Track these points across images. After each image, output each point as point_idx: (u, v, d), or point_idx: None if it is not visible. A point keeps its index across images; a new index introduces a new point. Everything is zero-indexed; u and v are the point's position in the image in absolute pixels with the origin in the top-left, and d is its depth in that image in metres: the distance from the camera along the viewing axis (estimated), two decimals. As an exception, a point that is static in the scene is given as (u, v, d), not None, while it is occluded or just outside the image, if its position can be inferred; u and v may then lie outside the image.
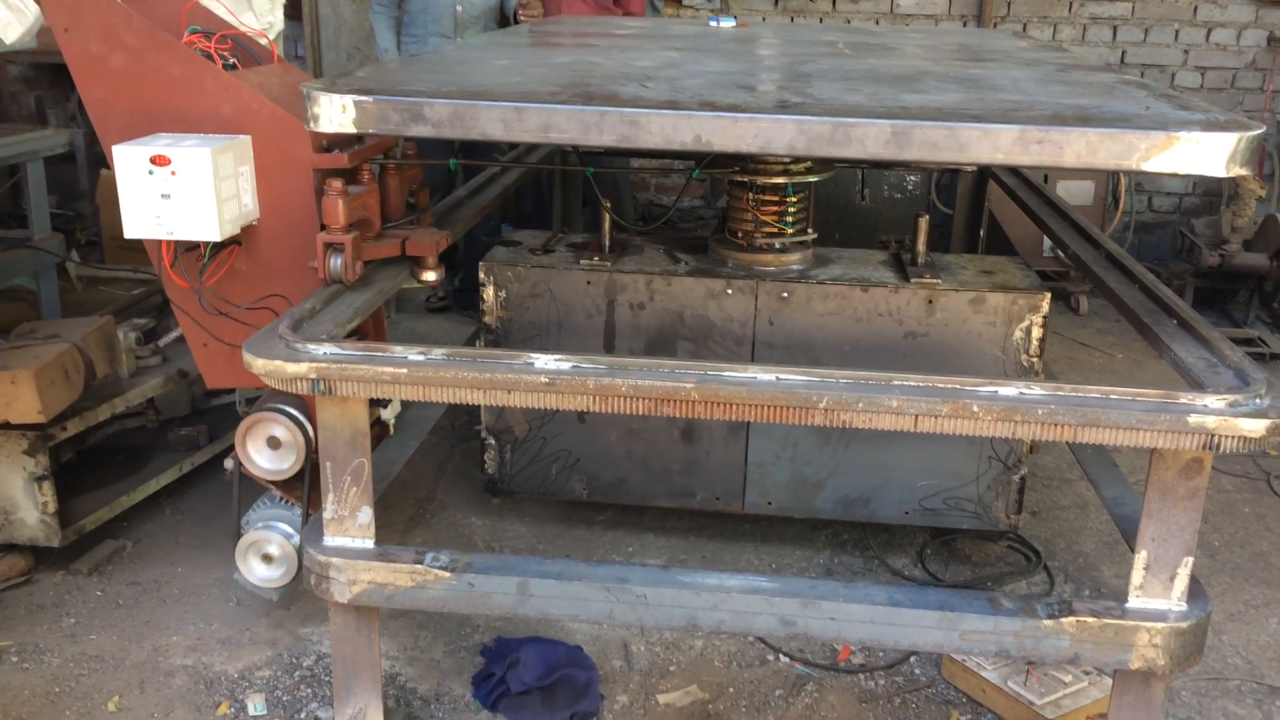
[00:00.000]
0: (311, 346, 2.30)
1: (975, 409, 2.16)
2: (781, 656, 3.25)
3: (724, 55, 3.24)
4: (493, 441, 3.66)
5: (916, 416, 2.18)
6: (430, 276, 2.99)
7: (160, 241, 2.82)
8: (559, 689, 2.94)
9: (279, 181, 2.88)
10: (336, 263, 2.69)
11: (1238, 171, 2.13)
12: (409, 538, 3.81)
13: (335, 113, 2.26)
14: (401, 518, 3.94)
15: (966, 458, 3.51)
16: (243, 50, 3.13)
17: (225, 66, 2.97)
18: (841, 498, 3.59)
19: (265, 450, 2.98)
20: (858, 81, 2.68)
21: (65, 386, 3.23)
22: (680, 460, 3.61)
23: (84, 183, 7.21)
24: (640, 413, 2.24)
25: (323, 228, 2.73)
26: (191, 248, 2.86)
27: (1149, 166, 2.13)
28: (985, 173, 4.70)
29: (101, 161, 7.30)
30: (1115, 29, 7.44)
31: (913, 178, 6.58)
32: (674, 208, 7.30)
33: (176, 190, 2.68)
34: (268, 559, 3.07)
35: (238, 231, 2.84)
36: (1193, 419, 2.11)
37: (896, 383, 2.21)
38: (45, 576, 3.49)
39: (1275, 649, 3.38)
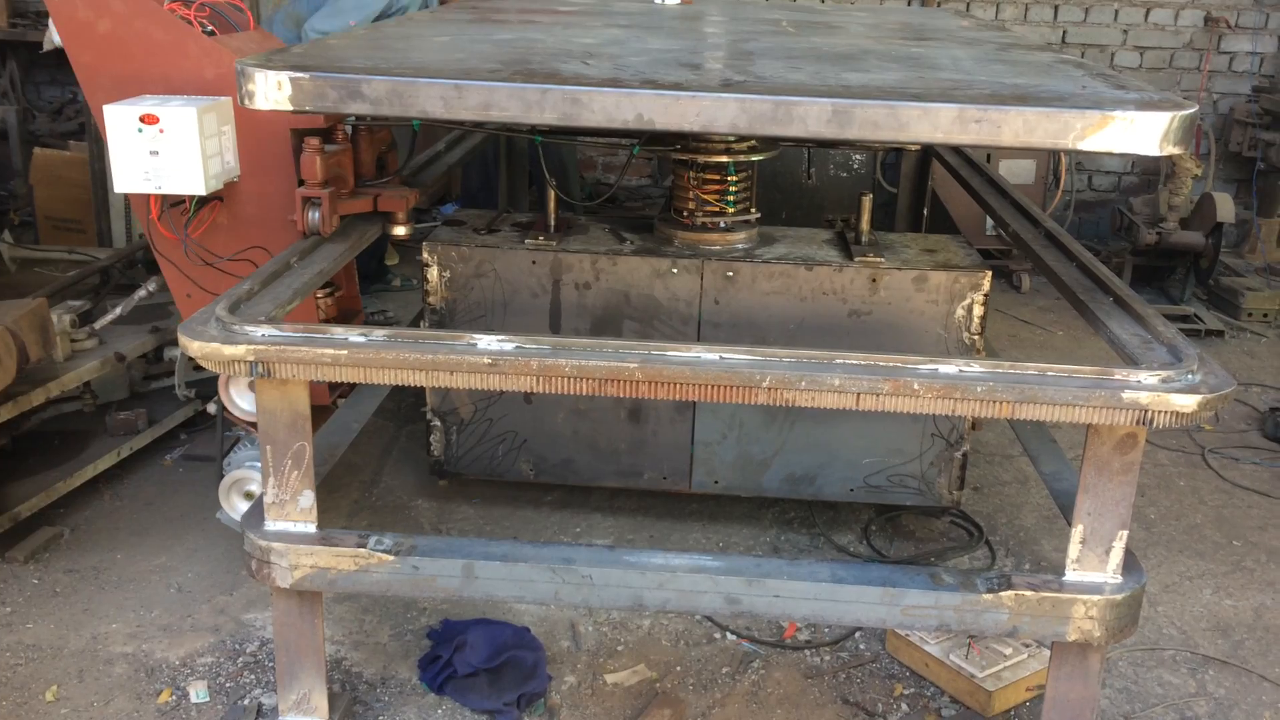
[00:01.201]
0: (249, 328, 2.26)
1: (916, 387, 2.18)
2: (728, 635, 3.28)
3: (668, 33, 3.22)
4: (438, 423, 3.64)
5: (859, 395, 2.19)
6: (400, 231, 3.21)
7: (148, 196, 3.00)
8: (506, 670, 2.94)
9: (258, 141, 3.06)
10: (314, 216, 2.89)
11: (1171, 150, 2.16)
12: (354, 521, 3.78)
13: (270, 90, 2.22)
14: (346, 501, 3.91)
15: (910, 435, 3.55)
16: (220, 18, 3.28)
17: (204, 33, 3.13)
18: (788, 476, 3.61)
19: (247, 393, 3.16)
20: (800, 60, 2.68)
21: (-4, 371, 3.16)
22: (627, 440, 3.61)
23: (17, 162, 7.03)
24: (584, 393, 2.23)
25: (301, 183, 2.94)
26: (177, 203, 3.05)
27: (1084, 145, 2.15)
28: (929, 152, 4.74)
29: (36, 140, 7.13)
30: (1056, 9, 7.52)
31: (858, 157, 6.61)
32: (616, 185, 7.27)
33: (164, 147, 2.87)
34: (249, 496, 3.24)
35: (220, 187, 3.03)
36: (1126, 395, 2.15)
37: (839, 361, 2.22)
38: (-21, 565, 3.43)
39: (1209, 619, 3.46)
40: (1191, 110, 2.17)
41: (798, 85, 2.30)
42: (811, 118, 2.17)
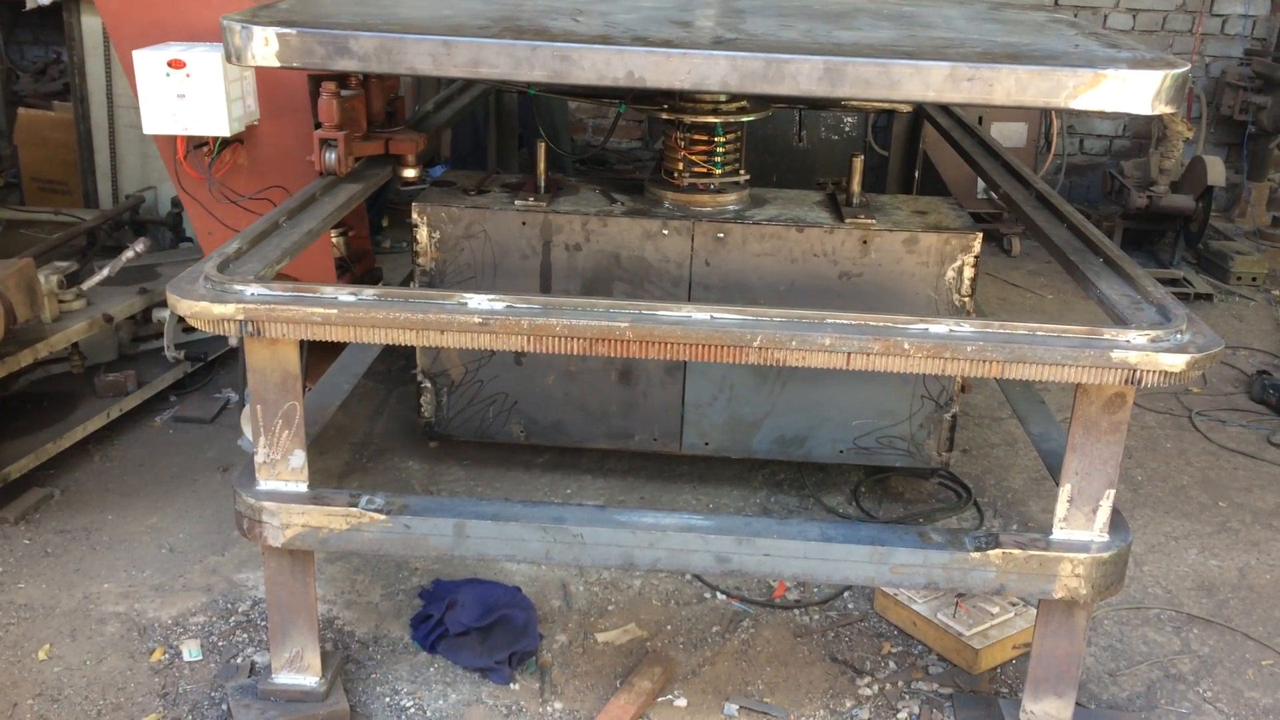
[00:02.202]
0: (238, 287, 2.25)
1: (906, 346, 2.18)
2: (718, 594, 3.30)
3: (660, -9, 3.20)
4: (429, 385, 3.64)
5: (849, 354, 2.20)
6: (410, 173, 3.41)
7: (174, 138, 3.25)
8: (497, 629, 2.96)
9: (276, 86, 3.27)
10: (331, 156, 3.09)
11: (1163, 109, 2.15)
12: (346, 482, 3.78)
13: (258, 46, 2.20)
14: (338, 463, 3.91)
15: (899, 397, 3.56)
16: None
17: None
18: (778, 437, 3.62)
19: None
20: (792, 18, 2.66)
21: (-17, 331, 3.14)
22: (618, 402, 3.62)
23: (1, 123, 6.96)
24: (575, 353, 2.24)
25: (318, 125, 3.16)
26: (200, 144, 3.29)
27: (1076, 104, 2.15)
28: (920, 114, 4.72)
29: (19, 101, 7.05)
30: (1051, -29, 7.47)
31: (850, 120, 6.59)
32: (601, 146, 7.22)
33: (191, 90, 3.07)
34: None
35: (242, 130, 3.27)
36: (1115, 354, 2.15)
37: (829, 321, 2.22)
38: (-31, 526, 3.43)
39: (1194, 579, 3.50)
40: (1184, 69, 2.17)
41: (789, 43, 2.28)
42: (803, 76, 2.16)
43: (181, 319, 2.29)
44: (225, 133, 3.18)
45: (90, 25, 5.29)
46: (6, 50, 7.68)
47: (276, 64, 2.21)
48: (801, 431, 3.61)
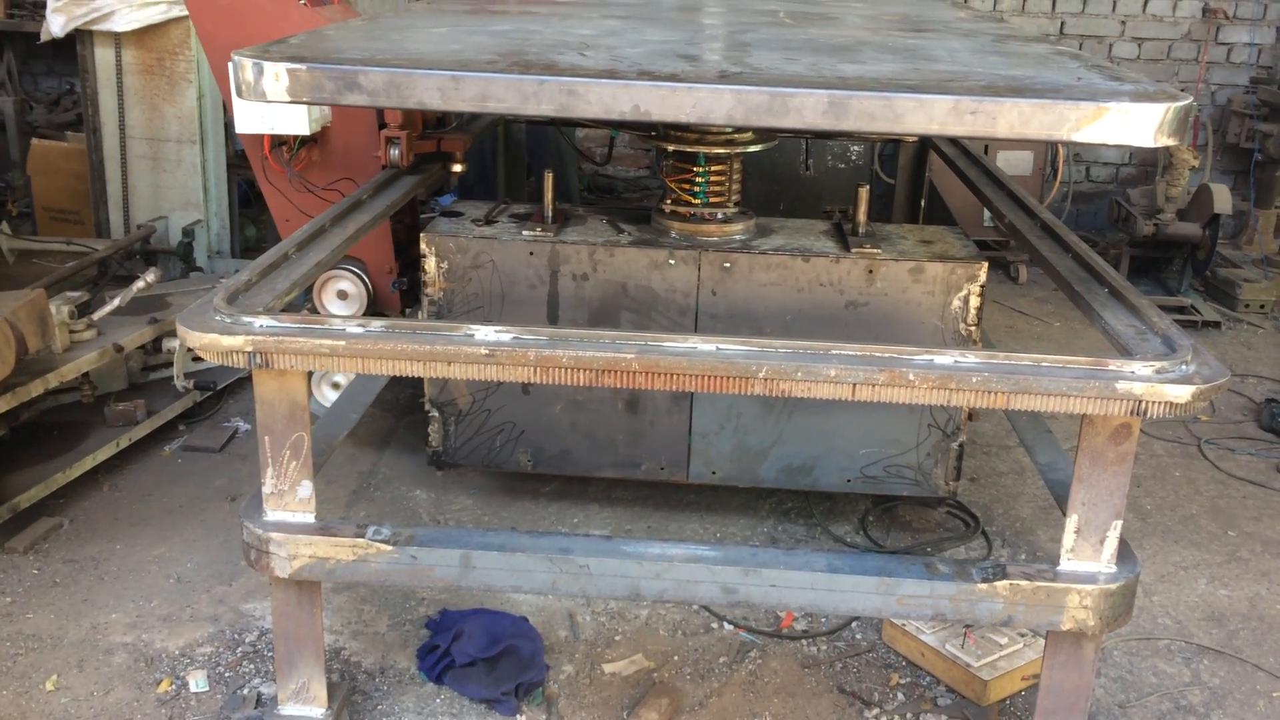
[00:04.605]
0: (247, 319, 2.27)
1: (912, 377, 2.18)
2: (725, 624, 3.29)
3: (665, 24, 3.22)
4: (436, 414, 3.65)
5: (854, 385, 2.20)
6: (458, 168, 3.85)
7: (261, 136, 3.71)
8: (504, 660, 2.95)
9: None
10: (395, 152, 3.52)
11: (1166, 141, 2.16)
12: (352, 511, 3.79)
13: (269, 81, 2.22)
14: (344, 491, 3.92)
15: (907, 426, 3.56)
16: None
17: (301, 4, 3.84)
18: (785, 466, 3.62)
19: (336, 301, 3.98)
20: (797, 51, 2.68)
21: (-5, 362, 3.16)
22: (625, 431, 3.62)
23: (14, 153, 7.03)
24: (581, 384, 2.24)
25: (383, 125, 3.60)
26: (280, 143, 3.77)
27: (1079, 137, 2.15)
28: (926, 143, 4.74)
29: (34, 131, 7.12)
30: (1054, 0, 7.52)
31: (856, 148, 6.61)
32: (597, 172, 7.25)
33: None
34: (337, 386, 3.95)
35: (318, 130, 3.75)
36: (1120, 385, 2.15)
37: (834, 352, 2.23)
38: (-22, 555, 3.44)
39: (1203, 609, 3.48)
40: (1186, 102, 2.17)
41: (794, 77, 2.30)
42: (808, 109, 2.18)
43: (191, 349, 2.31)
44: (305, 132, 3.65)
45: (103, 57, 5.36)
46: (21, 81, 7.77)
47: (287, 99, 2.23)
48: (808, 460, 3.61)
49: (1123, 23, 7.50)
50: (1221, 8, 7.32)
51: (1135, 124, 2.15)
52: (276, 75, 2.22)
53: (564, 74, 2.24)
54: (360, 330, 2.26)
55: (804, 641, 3.24)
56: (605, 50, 2.58)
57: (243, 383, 4.65)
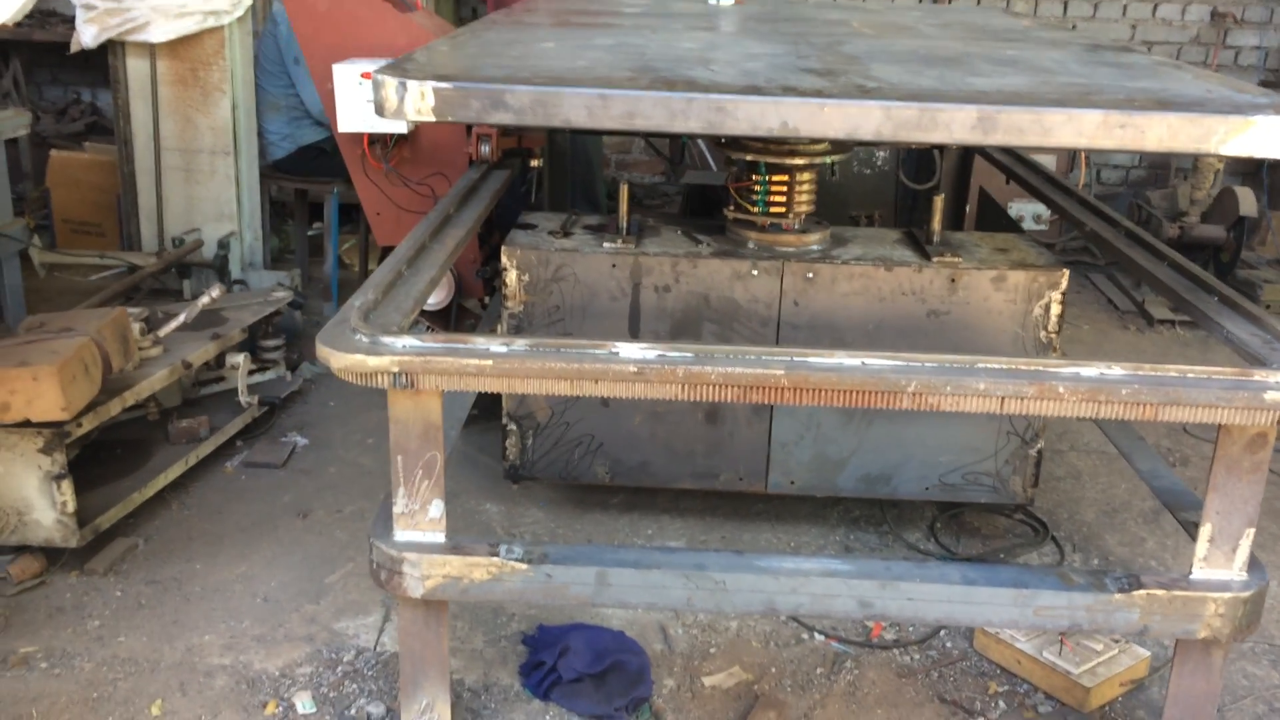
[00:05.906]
0: (389, 339, 2.25)
1: (1061, 390, 2.20)
2: (816, 635, 3.29)
3: (756, 35, 3.22)
4: (514, 428, 3.62)
5: (1003, 399, 2.21)
6: (536, 163, 4.21)
7: (360, 134, 3.99)
8: (611, 675, 2.94)
9: None
10: (485, 148, 3.82)
11: (1306, 153, 2.19)
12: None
13: (413, 100, 2.20)
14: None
15: (985, 434, 3.57)
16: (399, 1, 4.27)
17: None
18: (864, 475, 3.63)
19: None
20: (910, 64, 2.69)
21: (86, 381, 3.11)
22: (704, 442, 3.62)
23: (26, 165, 6.92)
24: (728, 400, 2.24)
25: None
26: (375, 140, 4.04)
27: (1226, 150, 2.18)
28: (971, 150, 4.76)
29: (43, 142, 7.02)
30: (1066, 3, 7.61)
31: (881, 153, 6.63)
32: (611, 179, 7.24)
33: None
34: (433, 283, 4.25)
35: (412, 128, 4.00)
36: (1268, 395, 2.18)
37: (981, 366, 2.24)
38: (59, 578, 3.36)
39: (1281, 610, 3.52)
40: (1325, 114, 2.20)
41: (934, 91, 2.31)
42: (956, 124, 2.18)
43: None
44: (403, 130, 3.94)
45: (136, 68, 5.29)
46: (26, 91, 7.65)
47: (433, 119, 2.20)
48: (887, 469, 3.62)
49: (1133, 26, 7.59)
50: (1230, 11, 7.43)
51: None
52: (422, 94, 2.19)
53: (709, 91, 2.23)
54: (505, 349, 2.25)
55: (896, 651, 3.24)
56: (728, 65, 2.58)
57: (293, 397, 4.61)
